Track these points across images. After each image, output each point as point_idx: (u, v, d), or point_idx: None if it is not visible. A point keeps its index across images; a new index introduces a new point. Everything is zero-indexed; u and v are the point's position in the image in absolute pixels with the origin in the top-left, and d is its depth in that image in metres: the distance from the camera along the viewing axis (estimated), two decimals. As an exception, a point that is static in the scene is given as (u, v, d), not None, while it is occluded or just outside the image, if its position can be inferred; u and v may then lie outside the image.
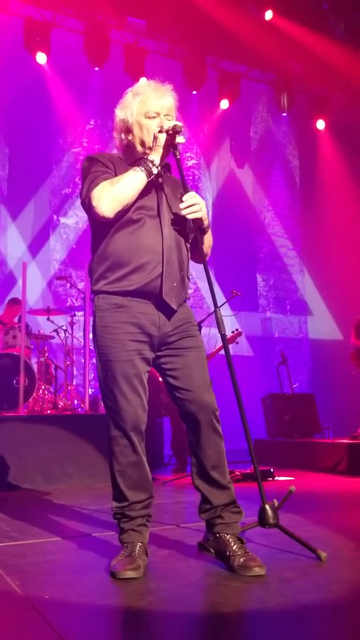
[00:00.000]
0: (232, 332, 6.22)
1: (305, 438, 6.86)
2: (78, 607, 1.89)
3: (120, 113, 2.47)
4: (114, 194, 2.30)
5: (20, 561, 2.44)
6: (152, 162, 2.36)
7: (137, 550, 2.27)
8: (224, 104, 9.28)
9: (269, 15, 7.88)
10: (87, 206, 2.36)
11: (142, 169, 2.34)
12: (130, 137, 2.47)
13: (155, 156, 2.37)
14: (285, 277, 10.38)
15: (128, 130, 2.46)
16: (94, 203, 2.30)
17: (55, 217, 8.93)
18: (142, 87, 2.48)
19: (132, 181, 2.32)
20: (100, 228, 2.43)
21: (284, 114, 9.68)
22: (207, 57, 8.79)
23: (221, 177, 9.97)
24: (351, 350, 6.88)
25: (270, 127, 10.42)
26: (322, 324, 10.27)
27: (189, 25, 8.10)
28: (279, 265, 10.37)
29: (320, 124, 9.78)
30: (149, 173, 2.35)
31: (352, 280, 9.36)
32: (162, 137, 2.37)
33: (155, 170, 2.37)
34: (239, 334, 6.36)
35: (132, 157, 2.47)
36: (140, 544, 2.31)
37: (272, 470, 5.09)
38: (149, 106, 2.42)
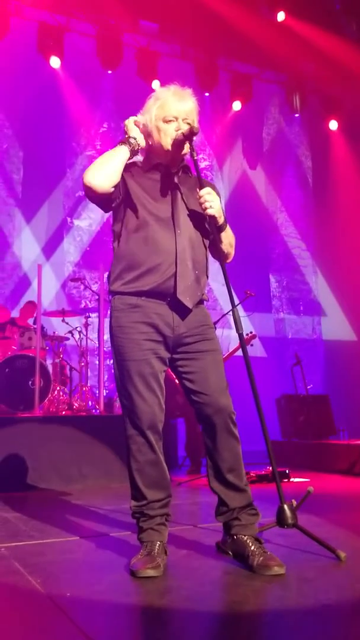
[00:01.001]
0: (247, 334, 6.21)
1: (320, 439, 6.83)
2: (99, 605, 1.90)
3: (141, 118, 2.51)
4: (97, 163, 2.41)
5: (40, 559, 2.46)
6: (134, 138, 2.47)
7: (156, 549, 2.28)
8: (236, 105, 9.27)
9: (281, 16, 7.87)
10: (84, 189, 2.42)
11: (124, 144, 2.45)
12: (150, 142, 2.50)
13: (133, 132, 2.49)
14: (298, 277, 10.36)
15: (148, 134, 2.49)
16: (84, 179, 2.39)
17: (69, 219, 8.98)
18: (163, 91, 2.51)
19: (114, 155, 2.42)
20: (118, 229, 2.47)
21: (297, 115, 9.65)
22: (219, 58, 8.79)
23: (233, 179, 9.97)
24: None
25: (282, 128, 10.41)
26: (336, 325, 10.23)
27: (201, 27, 8.11)
28: (292, 265, 10.34)
29: (333, 125, 9.73)
30: (130, 145, 2.45)
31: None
32: (166, 128, 2.44)
33: (135, 143, 2.46)
34: (254, 336, 6.34)
35: (151, 161, 2.50)
36: (159, 542, 2.32)
37: (287, 471, 5.09)
38: (167, 110, 2.45)
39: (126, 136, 2.48)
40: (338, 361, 9.81)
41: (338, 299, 10.24)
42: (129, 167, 2.48)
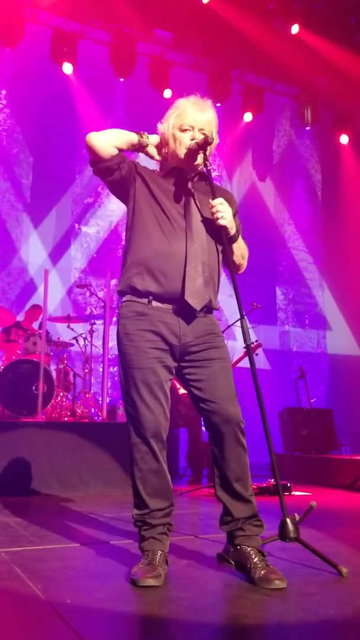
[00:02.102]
0: (252, 342, 6.20)
1: (323, 454, 6.79)
2: (100, 613, 1.88)
3: (160, 126, 2.54)
4: (106, 130, 2.44)
5: (41, 566, 2.44)
6: (144, 132, 2.51)
7: (157, 559, 2.26)
8: (248, 116, 9.30)
9: (295, 29, 7.90)
10: (86, 145, 2.42)
11: (137, 134, 2.49)
12: (165, 150, 2.52)
13: (154, 137, 2.53)
14: (304, 291, 10.35)
15: (166, 142, 2.52)
16: (86, 137, 2.41)
17: (76, 225, 9.00)
18: (183, 101, 2.53)
19: (125, 132, 2.47)
20: (129, 230, 2.48)
21: (307, 128, 9.69)
22: (232, 70, 8.84)
23: (242, 190, 9.99)
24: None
25: (292, 141, 10.44)
26: (340, 340, 10.20)
27: (214, 38, 8.16)
28: (298, 279, 10.34)
29: (344, 139, 9.76)
30: (140, 137, 2.48)
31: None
32: (182, 136, 2.46)
33: (146, 139, 2.49)
34: (259, 345, 6.32)
35: (165, 168, 2.52)
36: (160, 552, 2.30)
37: (289, 484, 5.06)
38: (184, 119, 2.46)
39: (142, 132, 2.52)
40: (342, 376, 9.77)
41: (344, 313, 10.22)
42: (143, 169, 2.50)
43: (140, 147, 2.51)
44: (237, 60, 8.72)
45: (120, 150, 2.43)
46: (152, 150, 2.54)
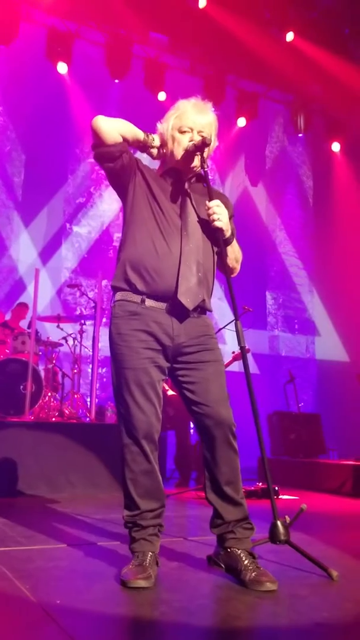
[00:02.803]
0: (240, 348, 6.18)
1: (310, 458, 6.81)
2: (90, 614, 1.86)
3: (160, 126, 2.52)
4: (114, 118, 2.42)
5: (29, 566, 2.41)
6: (149, 133, 2.49)
7: (148, 560, 2.24)
8: (241, 122, 9.33)
9: (290, 36, 7.95)
10: (91, 131, 2.39)
11: (144, 133, 2.47)
12: (164, 150, 2.52)
13: (157, 139, 2.50)
14: (294, 296, 10.39)
15: (164, 142, 2.51)
16: (92, 120, 2.38)
17: (68, 225, 8.97)
18: (183, 102, 2.52)
19: (133, 126, 2.45)
20: (125, 227, 2.47)
21: (300, 135, 9.74)
22: (227, 75, 8.87)
23: (235, 195, 10.01)
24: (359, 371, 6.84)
25: (285, 147, 10.49)
26: (329, 345, 10.25)
27: (210, 43, 8.18)
28: (288, 284, 10.38)
29: (336, 147, 9.82)
30: (146, 136, 2.47)
31: (361, 303, 9.35)
32: (180, 138, 2.45)
33: (150, 139, 2.47)
34: (247, 350, 6.32)
35: (163, 168, 2.52)
36: (151, 553, 2.28)
37: (276, 488, 5.05)
38: (184, 121, 2.46)
39: (149, 132, 2.50)
40: (330, 381, 9.81)
41: (332, 319, 10.27)
42: (143, 166, 2.50)
43: (144, 146, 2.49)
44: (232, 65, 8.75)
45: (124, 140, 2.41)
46: (154, 150, 2.53)
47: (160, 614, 1.88)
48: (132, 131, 2.44)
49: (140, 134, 2.46)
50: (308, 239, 10.58)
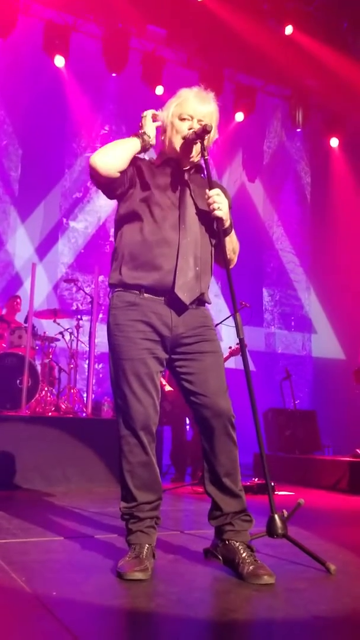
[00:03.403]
0: (237, 343, 6.15)
1: (306, 454, 6.80)
2: (87, 606, 1.84)
3: (160, 113, 2.49)
4: (106, 147, 2.39)
5: (25, 558, 2.39)
6: (144, 132, 2.43)
7: (144, 552, 2.22)
8: (239, 116, 9.30)
9: (288, 30, 7.92)
10: (89, 170, 2.38)
11: (137, 136, 2.41)
12: (163, 137, 2.49)
13: (147, 128, 2.44)
14: (291, 293, 10.38)
15: (164, 130, 2.48)
16: (90, 159, 2.35)
17: (64, 220, 8.93)
18: (186, 90, 2.49)
19: (125, 142, 2.40)
20: (121, 220, 2.44)
21: (298, 130, 9.72)
22: (225, 69, 8.83)
23: (232, 190, 9.97)
24: (355, 368, 6.83)
25: (283, 142, 10.46)
26: (325, 343, 10.24)
27: (208, 36, 8.15)
28: (285, 281, 10.36)
29: (334, 142, 9.79)
30: (143, 140, 2.41)
31: (358, 300, 9.33)
32: (180, 125, 2.42)
33: (147, 139, 2.42)
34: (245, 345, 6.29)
35: (163, 157, 2.49)
36: (148, 545, 2.26)
37: (272, 484, 5.03)
38: (185, 108, 2.43)
39: (141, 131, 2.44)
40: (326, 379, 9.81)
41: (329, 317, 10.26)
42: (140, 160, 2.45)
43: (144, 150, 2.44)
44: (230, 59, 8.71)
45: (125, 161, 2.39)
46: (153, 141, 2.49)
47: (156, 606, 1.86)
48: (130, 151, 2.38)
49: (137, 146, 2.40)
50: (305, 235, 10.57)
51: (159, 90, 8.34)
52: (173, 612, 1.82)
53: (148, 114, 2.48)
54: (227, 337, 6.65)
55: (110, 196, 2.47)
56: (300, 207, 10.62)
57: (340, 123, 9.54)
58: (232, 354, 6.01)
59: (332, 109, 9.34)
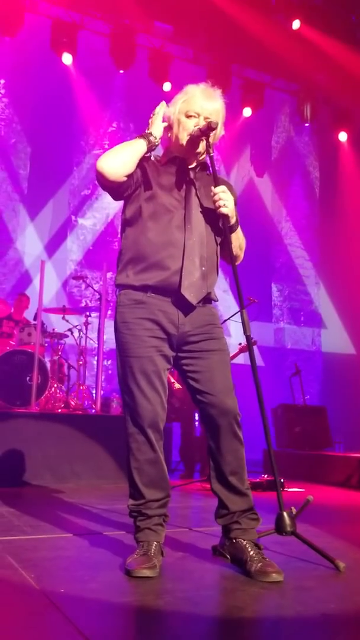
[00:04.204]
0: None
1: (316, 450, 6.78)
2: (94, 603, 1.84)
3: (166, 110, 2.48)
4: (112, 152, 2.36)
5: (34, 555, 2.40)
6: (150, 133, 2.40)
7: (153, 550, 2.23)
8: (247, 112, 9.27)
9: (296, 24, 7.87)
10: (96, 176, 2.38)
11: (143, 138, 2.39)
12: (169, 134, 2.48)
13: (154, 129, 2.41)
14: (300, 288, 10.34)
15: (170, 127, 2.47)
16: (97, 164, 2.34)
17: (73, 217, 8.95)
18: (192, 87, 2.48)
19: (131, 145, 2.37)
20: (127, 220, 2.44)
21: (306, 125, 9.66)
22: (232, 64, 8.79)
23: (240, 186, 9.96)
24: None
25: (291, 137, 10.41)
26: (335, 338, 10.20)
27: (215, 32, 8.12)
28: (294, 276, 10.33)
29: (343, 136, 9.74)
30: (149, 142, 2.38)
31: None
32: (186, 122, 2.40)
33: (153, 139, 2.39)
34: (254, 343, 6.27)
35: (169, 154, 2.48)
36: (156, 543, 2.26)
37: (282, 480, 5.03)
38: (191, 105, 2.42)
39: (147, 131, 2.43)
40: (336, 374, 9.77)
41: (339, 311, 10.22)
42: (145, 159, 2.44)
43: (149, 151, 2.42)
44: (238, 54, 8.68)
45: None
46: (158, 142, 2.46)
47: (164, 604, 1.86)
48: (136, 154, 2.36)
49: (143, 149, 2.37)
50: (314, 230, 10.52)
51: (167, 86, 8.33)
52: (180, 609, 1.82)
53: (159, 111, 2.46)
54: (236, 333, 6.63)
55: (116, 198, 2.47)
56: (309, 201, 10.57)
57: (349, 117, 9.48)
58: (242, 350, 6.00)
59: (340, 103, 9.29)
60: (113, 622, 1.71)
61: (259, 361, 9.31)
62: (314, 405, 7.98)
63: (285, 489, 4.98)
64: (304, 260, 10.42)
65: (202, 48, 8.64)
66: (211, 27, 8.07)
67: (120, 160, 2.34)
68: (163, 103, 2.48)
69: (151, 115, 2.46)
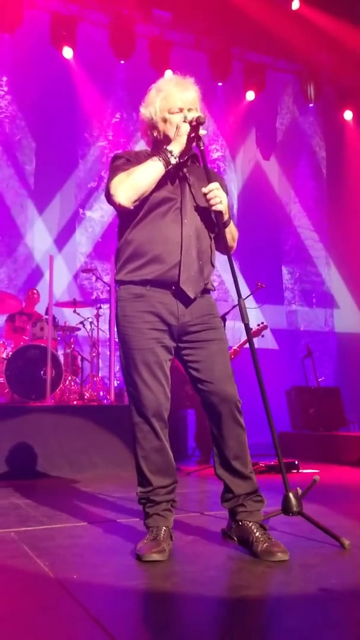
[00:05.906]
0: (258, 325, 6.18)
1: (331, 431, 6.83)
2: (105, 587, 1.93)
3: (144, 111, 2.50)
4: (130, 182, 2.35)
5: (49, 544, 2.50)
6: (170, 152, 2.37)
7: (162, 534, 2.31)
8: (250, 95, 9.23)
9: (295, 4, 7.81)
10: (107, 197, 2.41)
11: (160, 158, 2.36)
12: (155, 134, 2.50)
13: (175, 146, 2.38)
14: (311, 269, 10.32)
15: (153, 127, 2.49)
16: (112, 192, 2.37)
17: (81, 210, 9.01)
18: (165, 82, 2.50)
19: (149, 170, 2.36)
20: (124, 218, 2.49)
21: (311, 105, 9.61)
22: (233, 48, 8.76)
23: (247, 169, 9.94)
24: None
25: (296, 118, 10.35)
26: (348, 317, 10.19)
27: (214, 16, 8.08)
28: (304, 257, 10.31)
29: (348, 115, 9.67)
30: (166, 162, 2.37)
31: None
32: (185, 127, 2.39)
33: (173, 160, 2.38)
34: (265, 327, 6.29)
35: (156, 151, 2.51)
36: (165, 528, 2.34)
37: (296, 462, 5.10)
38: (172, 102, 2.44)
39: (166, 148, 2.38)
40: (350, 354, 9.77)
41: (351, 291, 10.19)
42: (139, 157, 2.48)
43: (168, 165, 2.38)
44: (238, 38, 8.64)
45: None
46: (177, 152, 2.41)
47: (172, 585, 1.95)
48: (154, 181, 2.35)
49: (161, 171, 2.35)
50: (323, 210, 10.47)
51: (168, 74, 8.31)
52: (187, 590, 1.90)
53: (184, 133, 2.37)
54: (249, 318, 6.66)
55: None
56: (317, 182, 10.52)
57: (353, 95, 9.41)
58: (254, 334, 6.03)
59: (344, 81, 9.21)
60: (122, 605, 1.80)
61: (273, 344, 9.34)
62: (328, 386, 8.01)
63: (300, 471, 5.05)
64: (314, 242, 10.39)
65: (202, 33, 8.61)
66: (210, 11, 8.03)
67: (137, 191, 2.35)
68: (187, 125, 2.38)
69: (176, 127, 2.39)
